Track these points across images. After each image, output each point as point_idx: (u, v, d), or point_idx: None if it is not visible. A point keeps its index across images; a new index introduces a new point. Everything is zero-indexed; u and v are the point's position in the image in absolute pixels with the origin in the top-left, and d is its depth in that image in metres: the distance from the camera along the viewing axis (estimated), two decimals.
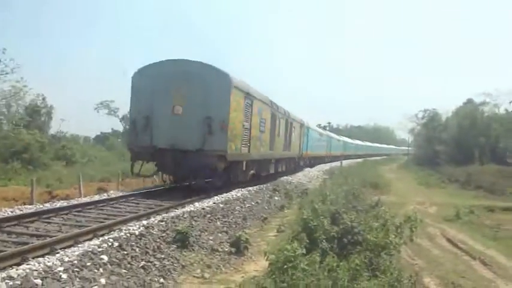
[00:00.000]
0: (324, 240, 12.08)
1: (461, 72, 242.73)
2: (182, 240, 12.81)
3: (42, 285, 8.06)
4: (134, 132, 21.08)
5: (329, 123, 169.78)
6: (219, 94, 20.04)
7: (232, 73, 20.80)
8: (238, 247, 13.56)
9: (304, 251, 10.02)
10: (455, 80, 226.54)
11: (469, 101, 74.87)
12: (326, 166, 57.03)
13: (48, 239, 11.07)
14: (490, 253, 16.67)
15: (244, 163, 24.38)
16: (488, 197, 35.95)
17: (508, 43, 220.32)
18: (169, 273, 10.76)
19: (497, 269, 14.32)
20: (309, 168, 49.51)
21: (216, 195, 20.85)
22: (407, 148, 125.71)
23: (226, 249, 13.67)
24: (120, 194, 20.54)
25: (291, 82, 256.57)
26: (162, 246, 12.24)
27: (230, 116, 20.25)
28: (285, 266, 9.23)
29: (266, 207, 22.53)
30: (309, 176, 42.79)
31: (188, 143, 20.04)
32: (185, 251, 12.58)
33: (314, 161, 52.80)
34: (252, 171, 27.11)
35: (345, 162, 61.01)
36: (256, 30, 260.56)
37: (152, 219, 14.65)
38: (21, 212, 15.16)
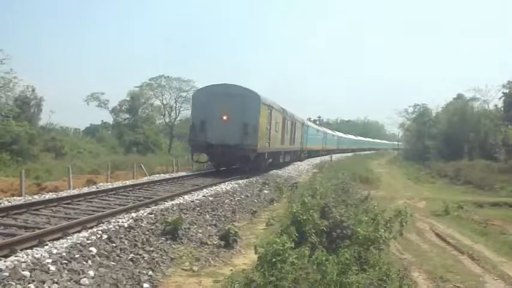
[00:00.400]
0: (313, 234, 12.09)
1: (452, 67, 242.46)
2: (171, 233, 12.81)
3: (31, 277, 8.04)
4: (193, 132, 29.10)
5: (319, 117, 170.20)
6: (252, 107, 28.36)
7: (260, 92, 30.08)
8: (227, 240, 13.57)
9: (293, 244, 10.02)
10: (446, 74, 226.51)
11: (459, 97, 75.18)
12: (316, 160, 57.18)
13: (37, 231, 11.01)
14: (478, 248, 16.72)
15: (266, 154, 33.12)
16: (477, 192, 36.12)
17: (498, 40, 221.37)
18: (158, 266, 10.76)
19: (485, 264, 14.36)
20: (299, 162, 49.62)
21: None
22: (397, 143, 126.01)
23: (215, 242, 13.69)
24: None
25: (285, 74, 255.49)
26: (151, 238, 12.24)
27: (259, 122, 28.48)
28: (274, 260, 9.22)
29: (256, 201, 22.57)
30: (299, 170, 42.87)
31: (231, 140, 27.86)
32: (174, 244, 12.59)
33: (312, 153, 59.11)
34: (270, 160, 36.42)
35: (335, 157, 61.16)
36: (251, 23, 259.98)
37: (141, 211, 14.67)
38: (10, 203, 15.11)
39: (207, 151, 29.91)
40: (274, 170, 37.06)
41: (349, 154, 79.47)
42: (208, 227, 15.44)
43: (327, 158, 60.35)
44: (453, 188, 39.75)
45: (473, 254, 15.43)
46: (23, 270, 8.11)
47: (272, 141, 32.94)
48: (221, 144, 27.95)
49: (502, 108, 65.11)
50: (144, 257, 10.95)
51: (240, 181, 26.20)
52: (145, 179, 26.52)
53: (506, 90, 63.68)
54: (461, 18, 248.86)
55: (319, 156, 59.55)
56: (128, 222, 12.65)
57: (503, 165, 47.90)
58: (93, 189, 20.08)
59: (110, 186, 21.20)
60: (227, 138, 27.93)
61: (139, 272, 9.96)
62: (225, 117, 28.36)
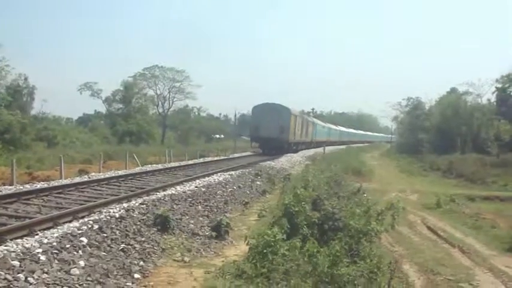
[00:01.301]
0: (305, 226, 12.11)
1: (446, 61, 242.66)
2: (163, 224, 12.78)
3: (20, 266, 7.99)
4: (253, 131, 47.85)
5: (313, 109, 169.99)
6: (285, 116, 46.46)
7: (291, 106, 50.48)
8: (219, 231, 13.54)
9: (284, 236, 10.04)
10: (439, 68, 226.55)
11: (453, 90, 75.24)
12: (310, 152, 57.22)
13: (28, 221, 10.99)
14: (469, 241, 16.80)
15: (292, 144, 51.19)
16: (469, 186, 36.25)
17: (490, 34, 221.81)
18: (149, 257, 10.72)
19: (475, 257, 14.43)
20: (292, 154, 49.69)
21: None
22: (390, 136, 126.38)
23: (207, 233, 13.65)
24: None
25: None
26: (142, 229, 12.20)
27: (290, 125, 46.74)
28: (265, 251, 9.24)
29: (248, 192, 22.55)
30: (292, 162, 42.85)
31: (273, 135, 45.06)
32: (165, 235, 12.54)
33: (319, 144, 67.81)
34: (294, 148, 53.72)
35: (328, 149, 61.27)
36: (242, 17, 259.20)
37: (133, 202, 14.64)
38: (1, 192, 15.07)
39: (260, 141, 49.24)
40: (268, 162, 37.10)
41: (342, 146, 79.62)
42: (200, 218, 15.41)
43: (320, 150, 60.45)
44: (445, 182, 39.88)
45: (464, 247, 15.51)
46: (12, 260, 8.06)
47: (296, 136, 51.96)
48: (268, 137, 45.63)
49: (494, 103, 65.33)
50: (135, 247, 10.91)
51: (233, 172, 26.20)
52: (137, 169, 26.56)
53: (499, 85, 63.87)
54: (455, 14, 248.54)
55: (323, 146, 63.95)
56: (120, 213, 12.61)
57: (495, 159, 48.09)
58: (85, 179, 20.06)
59: (102, 176, 21.17)
60: (271, 134, 45.36)
61: (130, 263, 9.92)
62: (269, 122, 45.56)
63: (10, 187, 17.19)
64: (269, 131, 45.01)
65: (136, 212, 13.16)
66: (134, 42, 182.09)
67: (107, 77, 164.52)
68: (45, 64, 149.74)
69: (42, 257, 8.54)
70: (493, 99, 66.48)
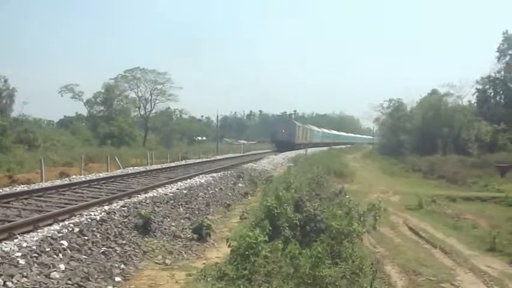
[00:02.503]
0: (287, 228, 12.11)
1: (426, 63, 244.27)
2: (144, 226, 12.72)
3: None
4: (272, 136, 74.45)
5: (295, 111, 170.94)
6: (293, 127, 72.95)
7: (298, 121, 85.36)
8: (201, 234, 13.51)
9: (266, 238, 10.03)
10: (420, 70, 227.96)
11: (434, 92, 75.57)
12: (292, 153, 57.38)
13: (7, 224, 10.90)
14: (450, 242, 16.87)
15: (298, 144, 70.19)
16: (450, 187, 36.37)
17: (471, 35, 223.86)
18: (130, 259, 10.68)
19: (457, 257, 14.49)
20: (273, 155, 49.83)
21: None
22: (372, 137, 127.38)
23: (189, 236, 13.63)
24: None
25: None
26: (123, 231, 12.14)
27: (295, 132, 71.89)
28: (247, 253, 9.23)
29: (230, 194, 22.53)
30: (274, 163, 42.94)
31: (285, 139, 68.96)
32: (147, 237, 12.50)
33: (315, 145, 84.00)
34: (298, 147, 68.36)
35: (310, 150, 61.53)
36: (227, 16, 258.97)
37: (114, 204, 14.57)
38: None
39: (276, 143, 70.94)
40: (250, 164, 37.14)
41: (324, 148, 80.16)
42: (182, 220, 15.37)
43: (301, 151, 60.76)
44: (427, 182, 40.02)
45: (446, 248, 15.57)
46: None
47: (299, 139, 73.93)
48: (282, 140, 68.83)
49: (475, 104, 65.92)
50: (116, 250, 10.85)
51: (215, 174, 26.18)
52: (119, 172, 26.48)
53: (480, 86, 64.47)
54: (438, 15, 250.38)
55: (318, 146, 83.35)
56: (101, 215, 12.54)
57: (476, 160, 48.39)
58: (66, 182, 20.01)
59: (83, 179, 21.11)
60: (284, 138, 68.91)
61: (111, 266, 9.87)
62: (283, 130, 70.40)
63: None
64: (283, 137, 69.99)
65: (118, 215, 13.08)
66: (117, 45, 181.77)
67: (89, 79, 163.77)
68: (26, 66, 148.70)
69: (22, 261, 8.46)
70: (474, 100, 67.16)
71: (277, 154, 57.15)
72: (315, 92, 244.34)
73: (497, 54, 63.66)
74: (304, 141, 76.70)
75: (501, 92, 64.24)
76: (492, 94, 64.51)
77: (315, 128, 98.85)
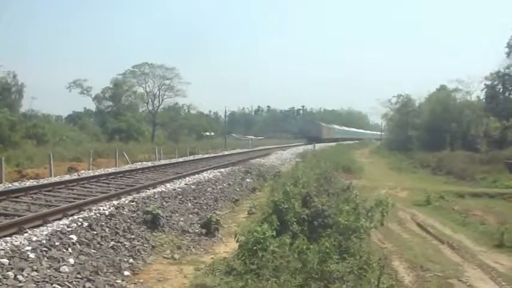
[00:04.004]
0: (295, 223, 12.12)
1: (436, 58, 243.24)
2: (152, 221, 12.77)
3: (9, 264, 7.97)
4: (305, 133, 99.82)
5: (303, 106, 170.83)
6: (320, 126, 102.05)
7: (323, 122, 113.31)
8: (209, 228, 13.56)
9: (274, 233, 10.06)
10: (429, 65, 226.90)
11: (442, 87, 75.30)
12: (300, 149, 57.36)
13: (17, 218, 10.95)
14: (458, 238, 16.87)
15: (322, 139, 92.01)
16: (458, 183, 36.28)
17: (482, 32, 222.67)
18: (139, 254, 10.73)
19: (464, 253, 14.49)
20: (281, 151, 49.75)
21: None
22: (380, 133, 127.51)
23: (197, 231, 13.69)
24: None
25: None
26: (132, 226, 12.21)
27: (321, 130, 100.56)
28: (255, 248, 9.27)
29: (238, 189, 22.58)
30: (282, 159, 42.94)
31: (314, 135, 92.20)
32: (155, 232, 12.55)
33: (337, 139, 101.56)
34: (323, 141, 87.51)
35: (318, 146, 61.44)
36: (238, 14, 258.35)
37: (123, 199, 14.63)
38: None
39: (308, 138, 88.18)
40: (258, 159, 37.13)
41: (332, 144, 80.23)
42: (190, 215, 15.43)
43: (309, 147, 60.69)
44: (435, 178, 39.95)
45: (453, 244, 15.57)
46: (1, 258, 8.05)
47: (325, 135, 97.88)
48: (312, 136, 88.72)
49: (484, 100, 65.57)
50: (125, 244, 10.92)
51: (223, 169, 26.23)
52: (127, 167, 26.54)
53: (489, 82, 64.15)
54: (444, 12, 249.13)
55: (338, 141, 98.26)
56: (109, 210, 12.62)
57: (484, 156, 48.13)
58: (75, 177, 20.06)
59: (92, 174, 21.19)
60: (314, 135, 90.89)
61: (120, 260, 9.93)
62: (310, 129, 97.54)
63: None
64: (312, 133, 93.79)
65: (126, 210, 13.15)
66: (125, 40, 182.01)
67: (97, 74, 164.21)
68: (34, 61, 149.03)
69: (32, 255, 8.53)
70: (482, 96, 66.80)
71: (285, 149, 56.60)
72: (324, 87, 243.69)
73: (506, 49, 63.25)
74: (328, 136, 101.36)
75: (510, 88, 63.69)
76: (501, 90, 64.01)
77: (336, 126, 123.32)
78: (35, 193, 15.24)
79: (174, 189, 17.68)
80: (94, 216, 11.75)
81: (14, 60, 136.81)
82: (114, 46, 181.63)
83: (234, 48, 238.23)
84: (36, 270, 8.08)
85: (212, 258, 11.07)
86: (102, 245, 10.39)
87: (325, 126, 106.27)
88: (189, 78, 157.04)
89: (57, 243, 9.37)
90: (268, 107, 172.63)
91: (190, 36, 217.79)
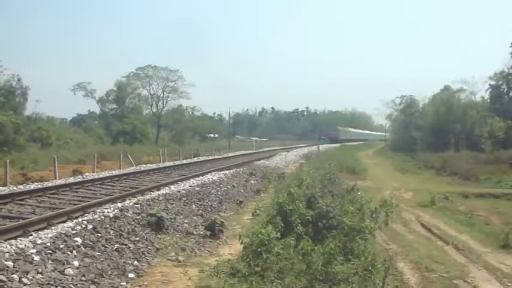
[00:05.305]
0: (299, 224, 12.10)
1: (439, 59, 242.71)
2: (157, 223, 12.78)
3: (14, 267, 7.98)
4: (328, 135, 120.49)
5: (307, 107, 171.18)
6: (338, 130, 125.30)
7: (340, 127, 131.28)
8: (213, 230, 13.55)
9: (279, 234, 10.04)
10: (433, 66, 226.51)
11: (446, 88, 75.25)
12: (304, 150, 57.36)
13: (21, 221, 10.97)
14: (463, 238, 16.82)
15: (341, 139, 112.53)
16: (462, 183, 36.23)
17: (485, 32, 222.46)
18: (143, 256, 10.74)
19: (469, 254, 14.44)
20: (285, 152, 49.76)
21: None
22: (384, 134, 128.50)
23: (201, 233, 13.69)
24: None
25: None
26: (136, 228, 12.22)
27: (339, 133, 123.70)
28: (259, 250, 9.25)
29: (242, 191, 22.60)
30: (286, 160, 42.96)
31: (335, 137, 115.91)
32: (160, 234, 12.56)
33: (352, 140, 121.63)
34: (342, 141, 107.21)
35: (322, 147, 61.42)
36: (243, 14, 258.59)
37: (127, 201, 14.64)
38: None
39: (330, 139, 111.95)
40: (262, 161, 37.16)
41: (336, 145, 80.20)
42: (194, 217, 15.44)
43: (313, 148, 60.70)
44: (439, 179, 39.92)
45: (458, 244, 15.53)
46: (6, 261, 8.05)
47: (342, 136, 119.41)
48: (332, 137, 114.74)
49: (488, 100, 65.48)
50: (129, 247, 10.93)
51: (227, 171, 26.24)
52: (131, 169, 26.59)
53: (493, 82, 64.05)
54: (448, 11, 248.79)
55: (351, 142, 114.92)
56: (114, 212, 12.62)
57: (488, 156, 48.06)
58: (79, 179, 20.09)
59: (96, 176, 21.21)
60: (334, 137, 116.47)
61: (124, 262, 9.94)
62: (333, 132, 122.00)
63: (4, 188, 17.21)
64: (333, 136, 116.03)
65: (131, 212, 13.17)
66: (129, 42, 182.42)
67: (101, 76, 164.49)
68: (38, 64, 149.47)
69: (36, 258, 8.54)
70: (487, 96, 66.69)
71: (289, 151, 56.45)
72: (327, 88, 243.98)
73: (511, 49, 63.19)
74: (344, 137, 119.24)
75: None
76: (505, 90, 63.97)
77: (351, 129, 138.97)
78: (40, 196, 15.30)
79: (179, 191, 17.70)
80: (98, 219, 11.76)
81: (18, 63, 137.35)
82: (118, 48, 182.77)
83: (237, 50, 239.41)
84: (40, 273, 8.09)
85: (217, 260, 11.05)
86: (106, 247, 10.40)
87: (341, 130, 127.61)
88: (193, 80, 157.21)
89: (61, 246, 9.37)
90: (272, 108, 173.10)
91: (193, 38, 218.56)
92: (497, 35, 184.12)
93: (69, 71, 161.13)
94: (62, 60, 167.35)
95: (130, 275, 9.47)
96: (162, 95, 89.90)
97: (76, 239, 9.99)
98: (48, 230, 10.46)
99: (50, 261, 8.65)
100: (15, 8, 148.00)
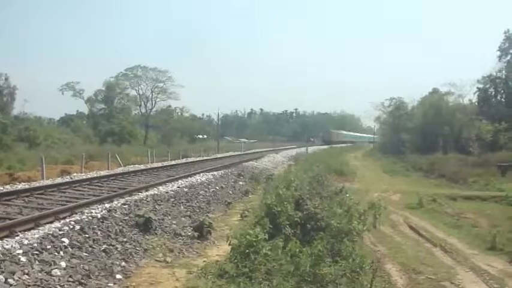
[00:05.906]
0: (287, 226, 12.11)
1: (427, 61, 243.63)
2: (145, 224, 12.73)
3: (0, 268, 7.93)
4: (323, 138, 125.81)
5: (296, 109, 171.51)
6: (330, 133, 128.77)
7: (333, 129, 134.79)
8: (201, 232, 13.52)
9: (267, 236, 10.05)
10: (421, 69, 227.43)
11: (435, 91, 75.51)
12: (293, 152, 57.41)
13: (8, 222, 10.91)
14: (450, 240, 16.90)
15: (334, 141, 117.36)
16: (450, 186, 36.32)
17: (472, 34, 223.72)
18: (131, 257, 10.69)
19: (457, 256, 14.52)
20: (274, 154, 49.80)
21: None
22: (373, 136, 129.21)
23: (189, 234, 13.62)
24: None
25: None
26: (124, 229, 12.15)
27: (331, 135, 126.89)
28: (247, 251, 9.25)
29: (230, 192, 22.57)
30: (274, 162, 42.98)
31: (328, 139, 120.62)
32: (148, 235, 12.52)
33: (344, 142, 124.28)
34: (335, 144, 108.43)
35: (311, 149, 61.51)
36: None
37: (115, 202, 14.58)
38: None
39: (324, 141, 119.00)
40: (250, 162, 37.13)
41: (325, 147, 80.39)
42: (183, 218, 15.39)
43: (302, 150, 60.77)
44: (427, 181, 39.98)
45: (446, 247, 15.61)
46: None
47: (335, 138, 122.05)
48: (326, 139, 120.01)
49: (476, 103, 65.83)
50: (117, 248, 10.87)
51: (215, 172, 26.21)
52: (120, 170, 26.50)
53: (481, 85, 64.42)
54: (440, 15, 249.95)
55: (344, 143, 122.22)
56: (102, 213, 12.56)
57: (476, 159, 48.24)
58: (67, 180, 20.00)
59: (84, 177, 21.12)
60: (327, 139, 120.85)
61: (112, 263, 9.89)
62: (325, 134, 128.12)
63: None
64: (326, 138, 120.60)
65: (119, 213, 13.11)
66: (119, 42, 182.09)
67: (90, 76, 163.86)
68: (26, 64, 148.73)
69: (23, 258, 8.48)
70: (475, 99, 67.06)
71: (278, 152, 56.36)
72: (317, 90, 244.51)
73: (498, 53, 63.54)
74: (336, 139, 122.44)
75: (502, 91, 64.15)
76: (493, 93, 64.45)
77: (343, 132, 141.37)
78: (27, 196, 15.21)
79: (167, 192, 17.65)
80: (86, 219, 11.69)
81: (5, 62, 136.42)
82: (108, 48, 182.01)
83: (227, 51, 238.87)
84: (27, 274, 8.03)
85: (204, 261, 11.03)
86: (94, 248, 10.34)
87: (334, 132, 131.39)
88: (182, 81, 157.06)
89: (48, 247, 9.32)
90: (261, 110, 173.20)
91: (183, 41, 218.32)
92: (485, 39, 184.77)
93: (57, 70, 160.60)
94: (50, 60, 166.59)
95: (118, 276, 9.42)
96: (151, 96, 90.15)
97: (63, 239, 9.93)
98: (35, 231, 10.39)
99: (37, 262, 8.59)
100: (2, 7, 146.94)
